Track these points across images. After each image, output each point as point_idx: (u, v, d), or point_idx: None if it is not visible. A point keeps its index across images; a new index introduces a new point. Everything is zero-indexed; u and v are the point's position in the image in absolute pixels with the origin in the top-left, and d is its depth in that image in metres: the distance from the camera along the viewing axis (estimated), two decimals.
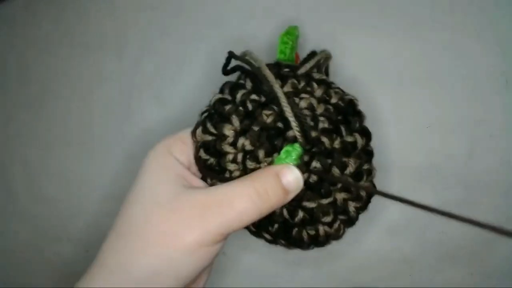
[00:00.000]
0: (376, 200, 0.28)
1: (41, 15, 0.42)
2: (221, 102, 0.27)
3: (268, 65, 0.28)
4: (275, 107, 0.26)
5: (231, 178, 0.26)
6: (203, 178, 0.27)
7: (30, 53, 0.42)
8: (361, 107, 0.29)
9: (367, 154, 0.28)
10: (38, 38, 0.42)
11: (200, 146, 0.27)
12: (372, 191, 0.28)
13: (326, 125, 0.26)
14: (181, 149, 0.27)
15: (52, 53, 0.42)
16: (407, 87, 0.37)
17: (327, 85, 0.28)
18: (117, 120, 0.40)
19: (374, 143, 0.29)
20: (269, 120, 0.26)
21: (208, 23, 0.40)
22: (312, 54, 0.31)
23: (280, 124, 0.26)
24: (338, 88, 0.29)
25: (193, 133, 0.27)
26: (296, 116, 0.25)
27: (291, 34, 0.32)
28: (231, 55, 0.30)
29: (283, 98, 0.25)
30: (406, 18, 0.37)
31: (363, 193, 0.27)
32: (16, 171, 0.41)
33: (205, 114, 0.27)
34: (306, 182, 0.26)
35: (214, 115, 0.27)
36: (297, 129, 0.25)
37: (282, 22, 0.38)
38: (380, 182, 0.29)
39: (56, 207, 0.40)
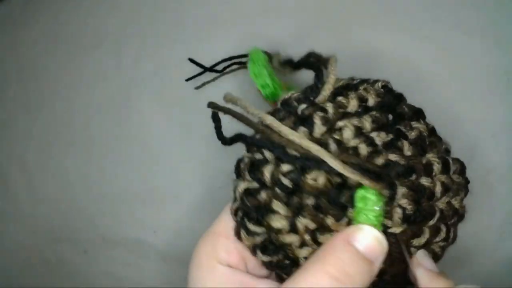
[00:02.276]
0: None
1: (40, 15, 0.42)
2: (250, 194, 0.21)
3: (273, 113, 0.22)
4: (317, 167, 0.20)
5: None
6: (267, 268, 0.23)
7: (29, 53, 0.42)
8: None
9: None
10: (37, 38, 0.42)
11: (253, 249, 0.22)
12: None
13: (384, 137, 0.21)
14: (226, 250, 0.22)
15: (52, 53, 0.42)
16: (407, 87, 0.37)
17: (353, 88, 0.22)
18: (117, 120, 0.40)
19: None
20: (320, 182, 0.20)
21: (209, 23, 0.40)
22: (318, 68, 0.23)
23: (335, 179, 0.20)
24: (361, 81, 0.23)
25: (238, 236, 0.22)
26: (349, 163, 0.19)
27: (258, 60, 0.26)
28: (214, 111, 0.24)
29: (322, 152, 0.19)
30: (406, 18, 0.37)
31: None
32: (15, 171, 0.41)
33: (240, 215, 0.22)
34: (405, 216, 0.20)
35: (250, 212, 0.21)
36: (362, 179, 0.19)
37: (282, 22, 0.38)
38: None
39: (55, 207, 0.40)
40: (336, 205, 0.20)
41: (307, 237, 0.20)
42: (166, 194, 0.38)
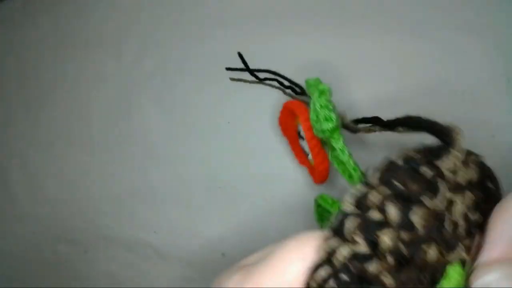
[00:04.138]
0: None
1: (40, 15, 0.42)
2: (357, 259, 0.17)
3: (396, 167, 0.18)
4: (432, 235, 0.17)
5: None
6: None
7: (29, 53, 0.42)
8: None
9: None
10: (37, 38, 0.42)
11: None
12: None
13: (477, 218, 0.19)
14: None
15: (52, 53, 0.42)
16: (407, 87, 0.37)
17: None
18: (117, 120, 0.40)
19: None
20: (431, 255, 0.17)
21: (209, 22, 0.40)
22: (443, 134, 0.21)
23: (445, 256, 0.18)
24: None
25: None
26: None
27: (325, 93, 0.25)
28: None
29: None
30: (406, 18, 0.37)
31: None
32: (15, 171, 0.41)
33: (331, 284, 0.17)
34: None
35: (349, 282, 0.17)
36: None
37: (282, 23, 0.38)
38: None
39: (55, 207, 0.40)
40: (432, 280, 0.17)
41: None
42: (166, 194, 0.38)
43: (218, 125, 0.38)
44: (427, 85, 0.37)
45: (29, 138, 0.41)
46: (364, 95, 0.35)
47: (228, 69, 0.37)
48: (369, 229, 0.17)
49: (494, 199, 0.20)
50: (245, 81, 0.37)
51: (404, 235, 0.16)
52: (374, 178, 0.18)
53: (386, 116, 0.25)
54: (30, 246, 0.41)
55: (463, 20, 0.37)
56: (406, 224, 0.16)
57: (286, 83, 0.33)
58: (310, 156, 0.31)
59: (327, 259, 0.17)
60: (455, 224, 0.17)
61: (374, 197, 0.17)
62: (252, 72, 0.36)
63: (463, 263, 0.18)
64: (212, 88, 0.38)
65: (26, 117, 0.42)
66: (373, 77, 0.37)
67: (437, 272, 0.17)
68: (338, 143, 0.24)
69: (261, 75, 0.35)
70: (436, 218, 0.17)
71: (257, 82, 0.36)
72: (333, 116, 0.24)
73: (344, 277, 0.17)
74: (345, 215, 0.17)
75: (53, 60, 0.42)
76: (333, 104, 0.25)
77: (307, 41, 0.37)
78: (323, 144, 0.28)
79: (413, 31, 0.37)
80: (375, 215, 0.17)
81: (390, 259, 0.16)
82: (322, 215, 0.29)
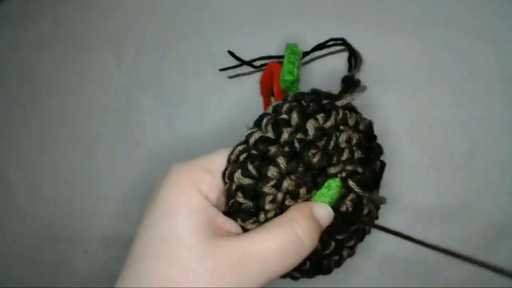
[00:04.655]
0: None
1: (40, 15, 0.42)
2: (264, 141, 0.24)
3: (305, 94, 0.26)
4: (319, 145, 0.25)
5: (266, 220, 0.24)
6: (230, 216, 0.25)
7: (30, 53, 0.42)
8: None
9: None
10: (37, 38, 0.42)
11: (237, 189, 0.24)
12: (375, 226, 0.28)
13: (360, 155, 0.26)
14: (209, 185, 0.23)
15: (52, 53, 0.42)
16: (408, 87, 0.37)
17: (356, 112, 0.27)
18: (116, 120, 0.40)
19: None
20: (315, 159, 0.25)
21: (209, 22, 0.40)
22: (352, 83, 0.28)
23: (324, 162, 0.25)
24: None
25: (228, 174, 0.24)
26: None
27: (296, 53, 0.31)
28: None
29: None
30: (406, 18, 0.37)
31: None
32: (15, 171, 0.41)
33: (244, 155, 0.24)
34: (339, 212, 0.26)
35: (257, 156, 0.24)
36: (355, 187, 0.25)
37: (280, 23, 0.38)
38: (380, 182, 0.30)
39: (55, 207, 0.40)
40: (313, 181, 0.25)
41: (280, 195, 0.24)
42: None
43: (218, 125, 0.38)
44: (427, 84, 0.37)
45: (29, 138, 0.41)
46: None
47: (222, 70, 0.37)
48: (276, 124, 0.25)
49: (375, 155, 0.28)
50: (243, 74, 0.37)
51: (299, 135, 0.24)
52: (290, 97, 0.26)
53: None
54: (30, 246, 0.41)
55: (463, 21, 0.37)
56: (302, 129, 0.24)
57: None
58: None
59: (245, 141, 0.25)
60: (338, 146, 0.25)
61: (285, 107, 0.25)
62: (248, 63, 0.36)
63: (344, 181, 0.26)
64: (212, 88, 0.39)
65: (26, 117, 0.42)
66: (372, 76, 0.37)
67: (319, 177, 0.25)
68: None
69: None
70: (325, 134, 0.25)
71: (255, 71, 0.36)
72: (296, 71, 0.30)
73: (253, 151, 0.24)
74: (264, 114, 0.25)
75: (53, 60, 0.42)
76: (299, 64, 0.31)
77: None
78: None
79: (413, 31, 0.37)
80: (283, 117, 0.25)
81: (286, 149, 0.24)
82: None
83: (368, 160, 0.27)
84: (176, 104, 0.39)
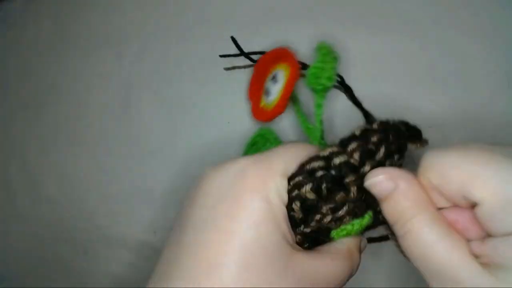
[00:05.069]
0: None
1: (41, 15, 0.42)
2: (347, 167, 0.24)
3: (395, 127, 0.26)
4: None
5: (301, 232, 0.25)
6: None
7: (30, 53, 0.42)
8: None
9: None
10: (37, 38, 0.42)
11: (298, 198, 0.24)
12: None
13: None
14: (277, 189, 0.22)
15: (52, 53, 0.42)
16: (408, 87, 0.37)
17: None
18: (116, 120, 0.40)
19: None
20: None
21: (208, 22, 0.40)
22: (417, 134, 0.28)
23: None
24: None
25: (297, 182, 0.24)
26: None
27: (331, 53, 0.30)
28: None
29: None
30: (406, 18, 0.37)
31: None
32: (15, 171, 0.41)
33: (321, 173, 0.24)
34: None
35: (334, 179, 0.24)
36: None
37: (283, 23, 0.38)
38: None
39: (55, 208, 0.40)
40: (360, 213, 0.25)
41: (328, 218, 0.24)
42: (166, 194, 0.38)
43: (218, 124, 0.38)
44: (427, 84, 0.37)
45: (29, 138, 0.41)
46: (362, 88, 0.35)
47: (222, 56, 0.37)
48: (364, 155, 0.24)
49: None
50: (239, 67, 0.37)
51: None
52: (378, 125, 0.25)
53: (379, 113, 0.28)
54: (30, 246, 0.41)
55: (463, 20, 0.37)
56: (381, 164, 0.24)
57: None
58: (270, 98, 0.33)
59: (327, 157, 0.24)
60: None
61: (375, 138, 0.24)
62: (246, 55, 0.36)
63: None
64: (212, 88, 0.38)
65: (26, 117, 0.42)
66: (372, 76, 0.37)
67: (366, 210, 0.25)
68: (321, 100, 0.30)
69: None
70: None
71: (251, 65, 0.36)
72: (334, 78, 0.29)
73: (331, 172, 0.24)
74: (353, 137, 0.24)
75: (53, 60, 0.42)
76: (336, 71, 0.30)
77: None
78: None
79: (413, 30, 0.37)
80: (371, 146, 0.24)
81: (360, 181, 0.24)
82: (256, 143, 0.34)
83: None
84: (176, 104, 0.39)
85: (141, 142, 0.39)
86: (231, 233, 0.20)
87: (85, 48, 0.41)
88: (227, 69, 0.38)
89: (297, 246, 0.23)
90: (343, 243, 0.24)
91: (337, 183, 0.24)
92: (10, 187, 0.41)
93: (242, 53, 0.36)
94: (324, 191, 0.24)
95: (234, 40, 0.36)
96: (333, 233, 0.25)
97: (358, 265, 0.25)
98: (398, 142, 0.25)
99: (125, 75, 0.40)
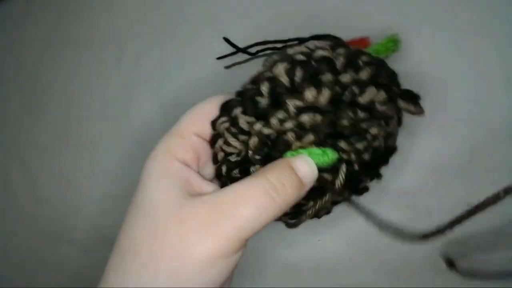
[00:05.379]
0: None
1: (40, 15, 0.42)
2: (328, 64, 0.23)
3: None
4: (360, 116, 0.23)
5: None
6: (219, 178, 0.25)
7: (30, 53, 0.42)
8: None
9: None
10: (37, 38, 0.42)
11: (267, 80, 0.23)
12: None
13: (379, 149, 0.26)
14: (183, 148, 0.24)
15: (52, 53, 0.42)
16: (407, 87, 0.37)
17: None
18: (116, 120, 0.40)
19: None
20: (344, 122, 0.23)
21: (208, 22, 0.40)
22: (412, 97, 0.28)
23: (346, 132, 0.24)
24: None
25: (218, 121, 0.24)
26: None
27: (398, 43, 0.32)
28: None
29: None
30: (406, 18, 0.37)
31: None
32: (15, 171, 0.41)
33: (302, 58, 0.23)
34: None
35: (312, 70, 0.22)
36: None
37: (285, 22, 0.38)
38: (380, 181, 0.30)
39: (55, 208, 0.40)
40: (321, 140, 0.23)
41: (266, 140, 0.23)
42: None
43: None
44: (426, 85, 0.37)
45: (29, 138, 0.41)
46: None
47: (219, 58, 0.37)
48: (348, 60, 0.23)
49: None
50: (239, 63, 0.37)
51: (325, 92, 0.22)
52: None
53: None
54: (30, 246, 0.41)
55: (463, 20, 0.37)
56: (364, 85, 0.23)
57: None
58: None
59: (310, 49, 0.23)
60: (369, 132, 0.24)
61: (363, 57, 0.24)
62: (243, 50, 0.36)
63: (339, 161, 0.23)
64: (212, 88, 0.38)
65: (26, 117, 0.42)
66: None
67: (327, 139, 0.23)
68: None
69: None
70: (374, 113, 0.24)
71: (251, 59, 0.36)
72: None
73: (312, 63, 0.23)
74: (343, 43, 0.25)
75: (53, 60, 0.42)
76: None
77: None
78: None
79: (412, 31, 0.37)
80: (359, 62, 0.23)
81: (336, 88, 0.22)
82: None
83: (379, 160, 0.26)
84: (177, 104, 0.39)
85: (141, 142, 0.39)
86: (135, 196, 0.24)
87: (85, 47, 0.41)
88: (227, 67, 0.38)
89: (205, 187, 0.24)
90: (261, 169, 0.23)
91: (313, 77, 0.22)
92: (9, 187, 0.41)
93: (238, 49, 0.36)
94: (298, 79, 0.22)
95: (227, 40, 0.36)
96: (288, 154, 0.23)
97: (286, 196, 0.22)
98: (387, 81, 0.24)
99: (125, 74, 0.40)
